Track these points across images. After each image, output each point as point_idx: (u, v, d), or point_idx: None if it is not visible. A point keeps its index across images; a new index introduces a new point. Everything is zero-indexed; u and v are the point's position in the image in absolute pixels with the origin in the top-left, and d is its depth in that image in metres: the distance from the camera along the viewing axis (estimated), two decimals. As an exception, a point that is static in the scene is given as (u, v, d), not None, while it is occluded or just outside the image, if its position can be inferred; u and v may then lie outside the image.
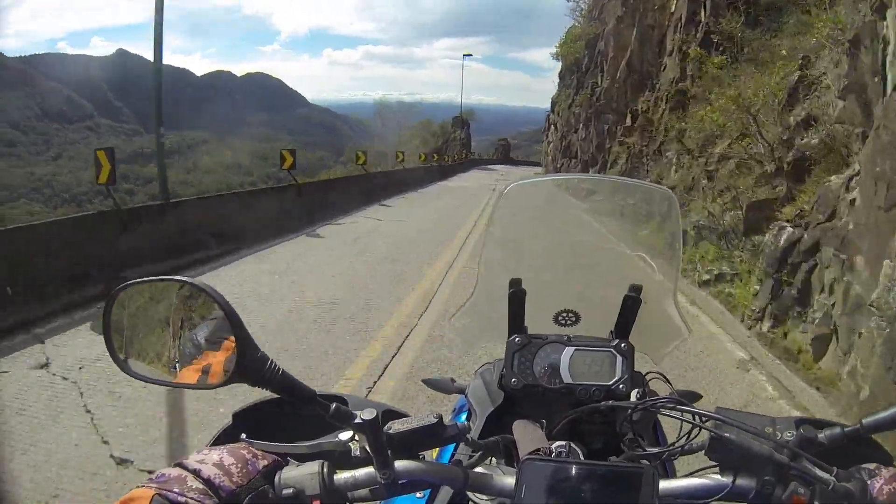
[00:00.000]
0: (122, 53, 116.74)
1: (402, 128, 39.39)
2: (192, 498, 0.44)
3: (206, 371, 0.56)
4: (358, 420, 0.52)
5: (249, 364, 0.51)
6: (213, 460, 0.48)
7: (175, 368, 0.57)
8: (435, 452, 0.84)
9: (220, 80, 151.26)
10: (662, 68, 11.29)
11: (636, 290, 0.83)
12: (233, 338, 0.52)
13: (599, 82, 15.81)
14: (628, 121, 11.85)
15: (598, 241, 0.99)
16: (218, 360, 0.55)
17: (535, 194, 0.97)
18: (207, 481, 0.46)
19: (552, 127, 25.07)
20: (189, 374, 0.57)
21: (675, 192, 0.99)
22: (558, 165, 21.21)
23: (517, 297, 0.83)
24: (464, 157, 32.75)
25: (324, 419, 0.54)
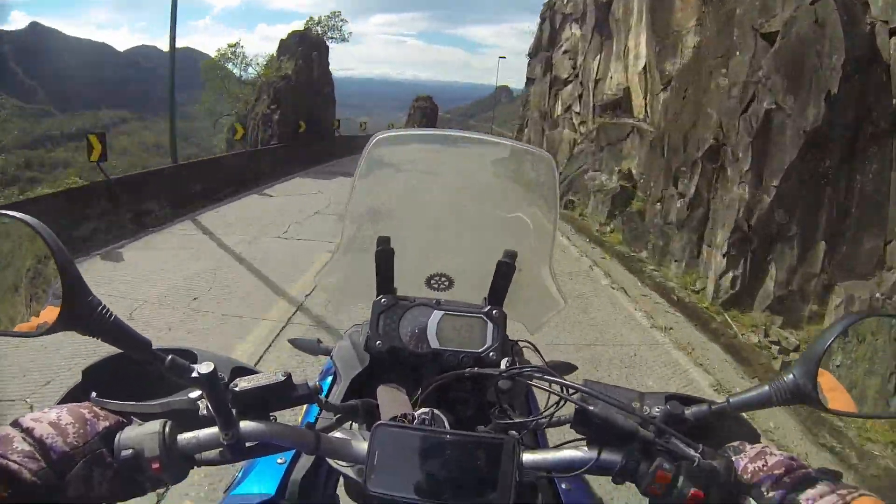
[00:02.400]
0: (34, 26, 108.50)
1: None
2: (13, 460, 0.41)
3: (48, 314, 0.48)
4: (195, 374, 0.48)
5: (75, 310, 0.45)
6: (49, 419, 0.45)
7: (9, 313, 0.52)
8: (301, 416, 0.84)
9: (143, 57, 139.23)
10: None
11: (511, 256, 0.81)
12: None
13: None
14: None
15: (474, 204, 0.97)
16: (55, 304, 0.46)
17: (407, 148, 0.91)
18: (39, 441, 0.43)
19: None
20: (25, 321, 0.50)
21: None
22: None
23: (385, 256, 0.80)
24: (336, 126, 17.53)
25: (171, 377, 0.49)
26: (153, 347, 0.50)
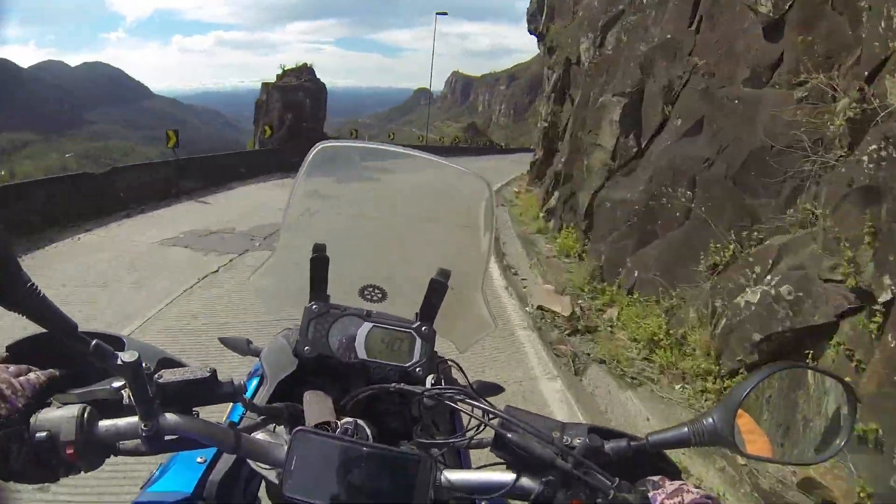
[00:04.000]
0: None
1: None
2: None
3: None
4: (119, 361, 0.47)
5: (4, 283, 0.45)
6: None
7: None
8: (225, 416, 0.84)
9: (49, 73, 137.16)
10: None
11: (444, 275, 0.82)
12: None
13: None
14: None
15: (412, 220, 0.98)
16: None
17: (349, 159, 0.92)
18: None
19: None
20: None
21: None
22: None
23: (319, 263, 0.80)
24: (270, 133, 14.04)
25: (94, 362, 0.49)
26: (79, 330, 0.49)
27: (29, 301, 0.47)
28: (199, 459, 0.71)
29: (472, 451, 0.77)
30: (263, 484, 0.70)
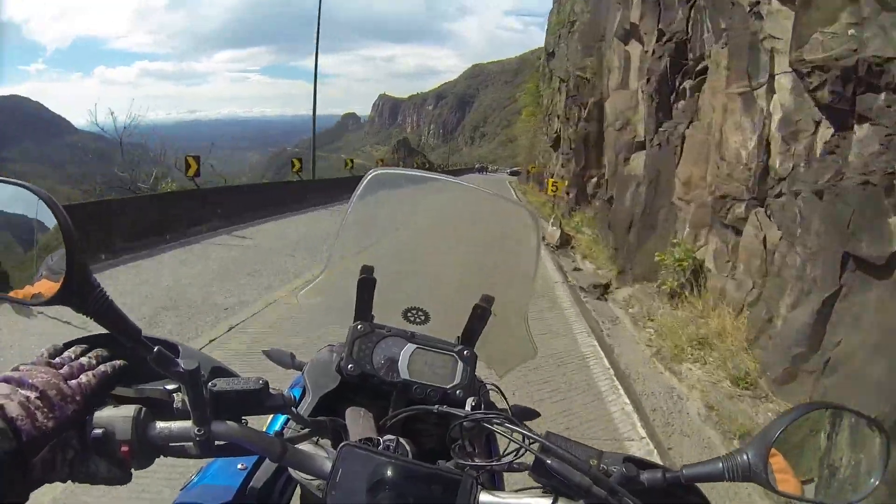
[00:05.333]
0: None
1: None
2: None
3: (46, 286, 0.49)
4: (180, 369, 0.50)
5: (75, 286, 0.47)
6: (20, 398, 0.45)
7: (10, 281, 0.52)
8: (267, 424, 0.87)
9: None
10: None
11: (487, 301, 0.84)
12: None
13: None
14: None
15: (458, 247, 1.02)
16: (57, 276, 0.48)
17: (399, 186, 0.94)
18: (10, 421, 0.43)
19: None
20: (29, 288, 0.50)
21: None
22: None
23: (367, 284, 0.83)
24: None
25: (155, 367, 0.51)
26: (142, 334, 0.51)
27: (98, 305, 0.48)
28: (239, 466, 0.73)
29: (505, 475, 0.80)
30: (298, 493, 0.74)
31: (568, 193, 12.03)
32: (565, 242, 9.20)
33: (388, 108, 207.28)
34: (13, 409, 0.43)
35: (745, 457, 0.52)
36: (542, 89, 28.51)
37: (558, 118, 16.19)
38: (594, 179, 10.43)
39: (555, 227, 9.67)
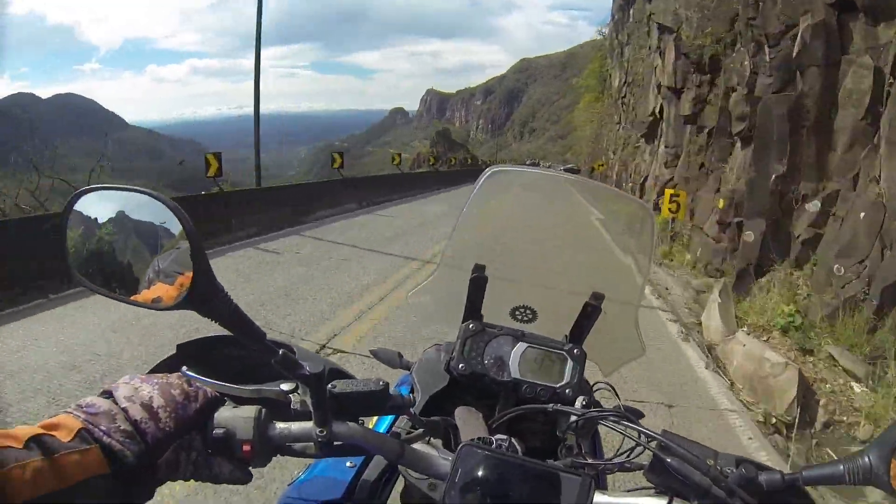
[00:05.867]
0: None
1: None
2: (117, 440, 0.43)
3: (163, 290, 0.51)
4: (305, 371, 0.51)
5: (201, 291, 0.48)
6: (142, 399, 0.46)
7: (132, 284, 0.54)
8: (372, 422, 0.87)
9: (18, 106, 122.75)
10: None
11: (598, 298, 0.83)
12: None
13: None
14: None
15: (568, 243, 1.02)
16: (179, 281, 0.50)
17: (515, 184, 0.95)
18: (135, 423, 0.45)
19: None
20: (146, 292, 0.52)
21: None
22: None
23: (478, 284, 0.82)
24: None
25: (269, 368, 0.52)
26: (267, 338, 0.52)
27: (224, 310, 0.49)
28: (348, 464, 0.75)
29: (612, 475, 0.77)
30: (399, 488, 0.74)
31: (720, 226, 5.75)
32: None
33: (436, 103, 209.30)
34: (136, 412, 0.45)
35: (866, 460, 0.51)
36: (609, 68, 24.10)
37: (659, 90, 10.60)
38: (810, 205, 4.51)
39: (718, 316, 4.20)
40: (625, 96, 18.12)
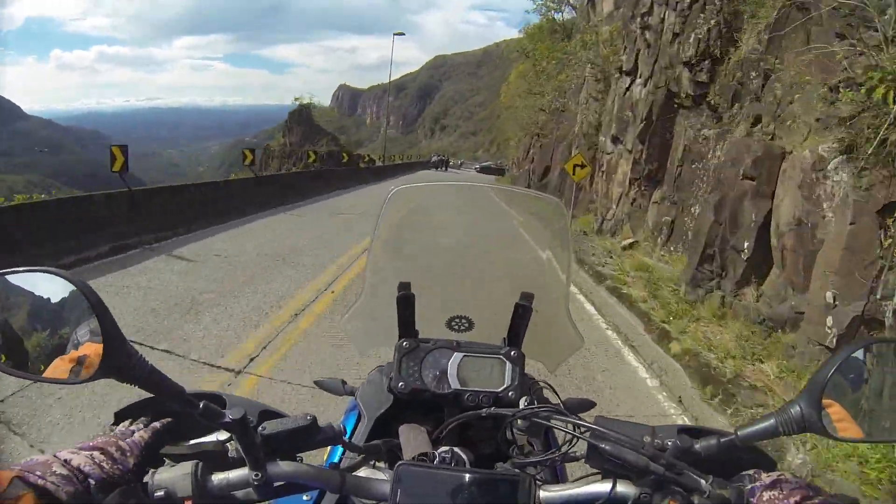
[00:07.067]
0: None
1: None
2: (51, 482, 0.44)
3: (80, 364, 0.51)
4: (227, 419, 0.51)
5: (115, 359, 0.49)
6: (84, 452, 0.49)
7: (44, 361, 0.52)
8: (326, 455, 0.88)
9: None
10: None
11: (527, 298, 0.84)
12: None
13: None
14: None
15: (490, 248, 1.04)
16: (95, 352, 0.50)
17: (421, 198, 0.95)
18: (77, 469, 0.46)
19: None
20: (62, 369, 0.51)
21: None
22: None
23: (406, 301, 0.83)
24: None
25: (203, 421, 0.53)
26: (186, 393, 0.52)
27: (140, 373, 0.50)
28: (305, 497, 0.74)
29: (569, 465, 0.78)
30: None
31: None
32: None
33: (348, 98, 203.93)
34: (79, 460, 0.48)
35: (798, 408, 0.51)
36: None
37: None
38: None
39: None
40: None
